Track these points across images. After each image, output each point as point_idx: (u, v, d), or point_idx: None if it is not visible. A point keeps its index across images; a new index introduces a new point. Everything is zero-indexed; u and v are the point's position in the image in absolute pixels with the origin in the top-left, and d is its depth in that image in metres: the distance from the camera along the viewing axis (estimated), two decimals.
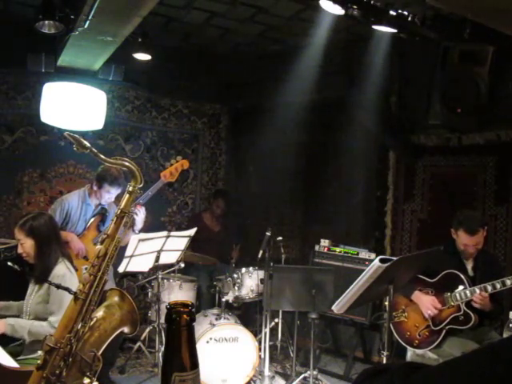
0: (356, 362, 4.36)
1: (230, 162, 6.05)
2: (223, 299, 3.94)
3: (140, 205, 3.73)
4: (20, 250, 2.71)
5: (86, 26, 3.39)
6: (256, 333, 4.09)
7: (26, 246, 2.67)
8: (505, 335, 2.67)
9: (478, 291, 2.97)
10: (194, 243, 4.57)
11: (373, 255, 4.30)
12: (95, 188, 3.73)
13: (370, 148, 4.81)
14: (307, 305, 3.61)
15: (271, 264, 3.73)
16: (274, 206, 5.62)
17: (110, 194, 3.72)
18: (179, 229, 5.47)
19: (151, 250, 3.73)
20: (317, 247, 4.59)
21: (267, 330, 3.86)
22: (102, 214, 3.81)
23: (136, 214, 3.67)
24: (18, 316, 2.73)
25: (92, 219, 3.80)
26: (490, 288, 2.94)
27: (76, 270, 2.80)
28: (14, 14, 4.48)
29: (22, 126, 4.87)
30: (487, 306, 2.99)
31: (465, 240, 3.13)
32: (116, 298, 1.50)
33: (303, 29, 4.31)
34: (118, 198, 3.87)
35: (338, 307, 2.68)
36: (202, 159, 5.90)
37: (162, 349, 3.71)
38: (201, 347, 3.54)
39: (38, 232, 2.67)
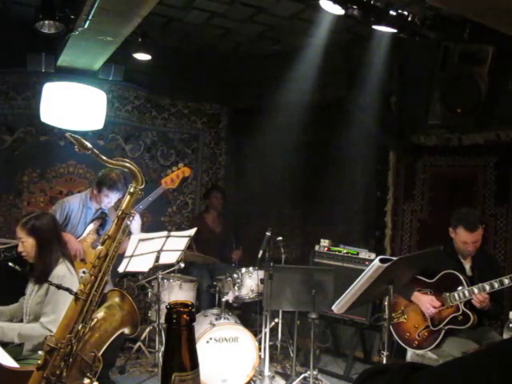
0: (356, 362, 4.36)
1: (230, 162, 6.05)
2: (223, 299, 3.94)
3: (135, 212, 3.74)
4: (20, 249, 2.70)
5: (86, 26, 3.39)
6: (256, 333, 4.09)
7: (27, 244, 2.66)
8: (505, 335, 2.67)
9: (476, 291, 2.97)
10: (195, 243, 4.59)
11: (373, 255, 4.29)
12: (95, 192, 3.76)
13: (370, 148, 4.81)
14: (307, 305, 3.61)
15: (271, 264, 3.73)
16: (274, 206, 5.63)
17: (108, 199, 3.74)
18: (179, 229, 5.48)
19: (151, 249, 3.73)
20: (317, 247, 4.59)
21: (267, 330, 3.86)
22: (101, 219, 3.82)
23: (130, 221, 3.68)
24: (11, 321, 2.72)
25: (92, 223, 3.82)
26: (488, 287, 2.94)
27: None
28: (14, 14, 4.48)
29: (22, 126, 4.87)
30: (487, 306, 2.99)
31: (464, 237, 3.13)
32: (117, 299, 1.50)
33: (303, 29, 4.31)
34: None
35: (338, 307, 2.68)
36: (202, 159, 5.90)
37: (162, 349, 3.71)
38: (201, 347, 3.54)
39: (40, 231, 2.66)
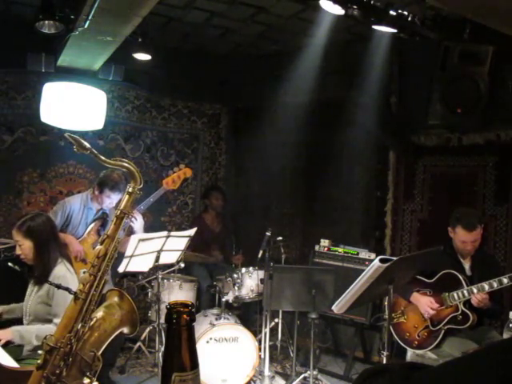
0: (356, 362, 4.36)
1: (230, 161, 6.05)
2: (223, 299, 3.94)
3: (137, 212, 3.77)
4: (18, 252, 2.68)
5: (86, 26, 3.39)
6: (256, 333, 4.09)
7: (25, 247, 2.64)
8: (505, 335, 2.67)
9: (475, 291, 2.97)
10: (195, 243, 4.59)
11: (373, 255, 4.29)
12: (96, 193, 3.77)
13: (369, 148, 4.81)
14: (307, 305, 3.61)
15: (271, 264, 3.72)
16: (274, 206, 5.63)
17: (110, 199, 3.75)
18: (179, 229, 5.47)
19: (151, 249, 3.73)
20: (317, 247, 4.59)
21: (267, 330, 3.86)
22: (102, 219, 3.83)
23: (132, 222, 3.70)
24: (21, 318, 2.71)
25: (93, 223, 3.82)
26: (487, 287, 2.94)
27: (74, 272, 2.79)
28: (14, 14, 4.48)
29: (22, 126, 4.86)
30: (487, 306, 2.99)
31: (463, 237, 3.13)
32: (116, 299, 1.50)
33: (303, 29, 4.31)
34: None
35: (338, 307, 2.68)
36: (201, 159, 5.90)
37: (162, 349, 3.71)
38: (201, 347, 3.54)
39: (36, 233, 2.63)
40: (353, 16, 3.10)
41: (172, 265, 4.12)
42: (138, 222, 3.80)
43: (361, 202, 4.95)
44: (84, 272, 1.39)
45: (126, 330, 1.51)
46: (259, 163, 5.64)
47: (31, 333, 2.49)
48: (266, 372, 3.77)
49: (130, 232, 3.84)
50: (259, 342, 3.88)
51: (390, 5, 3.22)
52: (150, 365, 4.24)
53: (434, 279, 3.20)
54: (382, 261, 2.40)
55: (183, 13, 4.41)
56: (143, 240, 3.61)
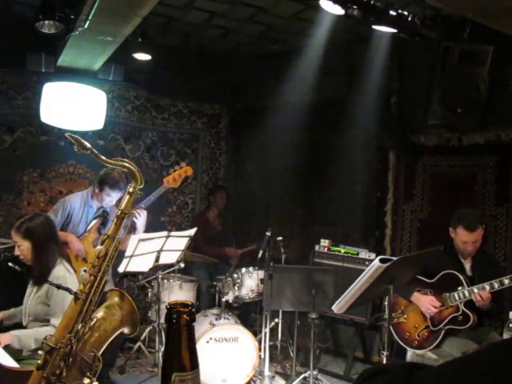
0: (356, 362, 4.36)
1: (230, 162, 6.05)
2: (223, 299, 3.94)
3: (141, 208, 3.77)
4: (17, 252, 2.67)
5: (85, 26, 3.39)
6: (256, 333, 4.09)
7: (23, 248, 2.63)
8: (505, 335, 2.67)
9: (476, 291, 2.97)
10: (199, 242, 4.60)
11: (373, 255, 4.29)
12: (96, 191, 3.76)
13: (370, 148, 4.81)
14: (307, 305, 3.60)
15: (271, 264, 3.72)
16: (274, 206, 5.63)
17: (110, 198, 3.75)
18: (179, 229, 5.48)
19: (151, 249, 3.73)
20: (317, 247, 4.59)
21: (267, 330, 3.86)
22: (103, 217, 3.82)
23: (136, 218, 3.70)
24: (22, 323, 2.71)
25: (93, 221, 3.82)
26: (488, 287, 2.94)
27: (74, 271, 2.78)
28: (14, 14, 4.48)
29: (22, 125, 4.87)
30: (487, 306, 2.99)
31: (464, 237, 3.13)
32: (116, 299, 1.50)
33: (303, 29, 4.31)
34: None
35: (338, 307, 2.68)
36: (201, 159, 5.90)
37: (162, 349, 3.71)
38: (201, 347, 3.54)
39: (35, 233, 2.62)
40: (353, 16, 3.10)
41: (172, 265, 4.12)
42: (141, 219, 3.79)
43: (361, 202, 4.95)
44: (84, 271, 1.39)
45: (126, 330, 1.51)
46: (259, 163, 5.64)
47: (30, 337, 2.48)
48: (266, 372, 3.77)
49: (133, 228, 3.84)
50: (259, 342, 3.88)
51: (390, 5, 3.22)
52: (149, 365, 4.24)
53: (435, 279, 3.20)
54: (381, 261, 2.41)
55: (183, 13, 4.41)
56: (143, 240, 3.60)
